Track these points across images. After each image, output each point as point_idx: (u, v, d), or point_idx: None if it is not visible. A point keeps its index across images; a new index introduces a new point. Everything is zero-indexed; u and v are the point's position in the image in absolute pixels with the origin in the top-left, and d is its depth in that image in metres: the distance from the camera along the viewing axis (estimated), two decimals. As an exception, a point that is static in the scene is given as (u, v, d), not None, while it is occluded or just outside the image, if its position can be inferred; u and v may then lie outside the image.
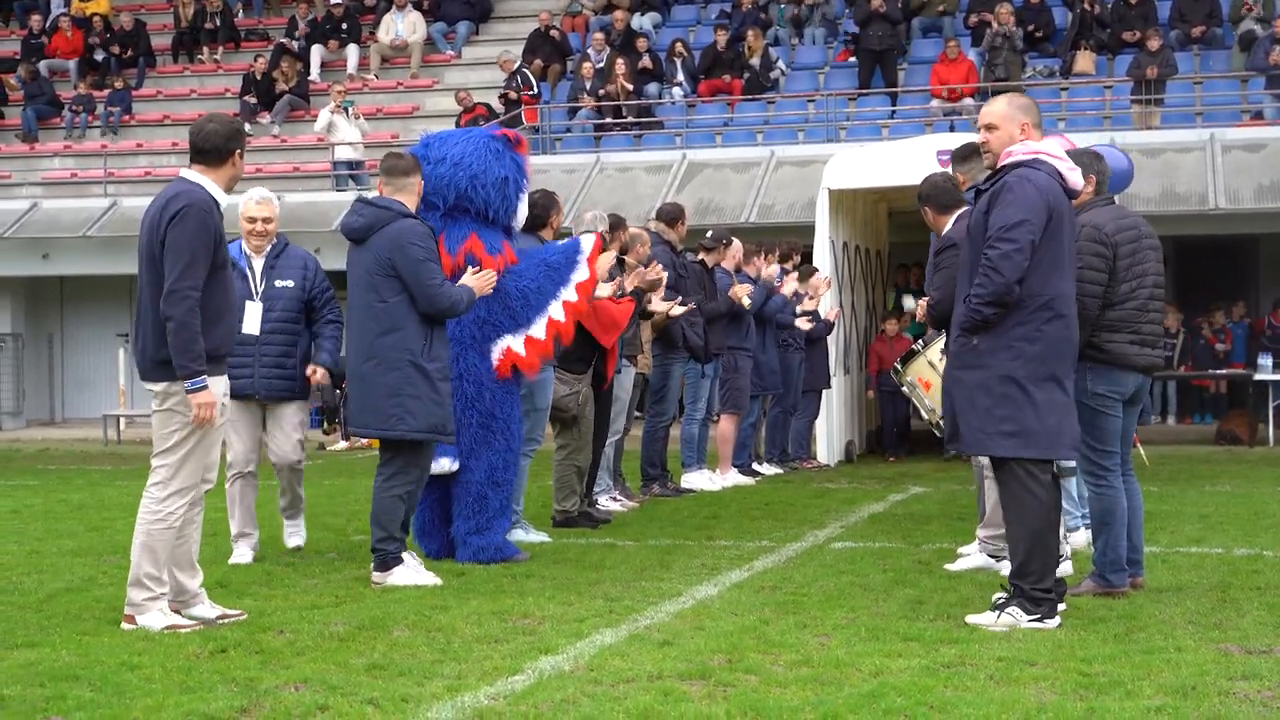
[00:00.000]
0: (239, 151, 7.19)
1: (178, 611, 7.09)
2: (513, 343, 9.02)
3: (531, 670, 6.04)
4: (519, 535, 9.74)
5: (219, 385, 7.09)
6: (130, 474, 16.28)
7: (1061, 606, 7.05)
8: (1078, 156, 7.54)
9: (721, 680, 5.87)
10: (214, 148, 7.13)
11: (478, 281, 8.46)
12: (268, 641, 6.62)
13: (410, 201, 8.41)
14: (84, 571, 8.82)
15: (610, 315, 10.57)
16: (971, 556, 8.68)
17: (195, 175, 7.12)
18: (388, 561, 8.23)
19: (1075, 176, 7.07)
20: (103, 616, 7.30)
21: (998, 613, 6.90)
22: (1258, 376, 18.89)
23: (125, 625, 7.00)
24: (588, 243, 9.45)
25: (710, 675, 5.94)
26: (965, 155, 8.64)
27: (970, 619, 6.97)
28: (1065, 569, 8.39)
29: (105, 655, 6.36)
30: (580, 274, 9.30)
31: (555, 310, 9.16)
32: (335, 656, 6.33)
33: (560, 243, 9.60)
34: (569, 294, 9.23)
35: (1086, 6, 23.52)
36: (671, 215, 12.99)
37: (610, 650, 6.42)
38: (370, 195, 8.63)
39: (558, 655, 6.31)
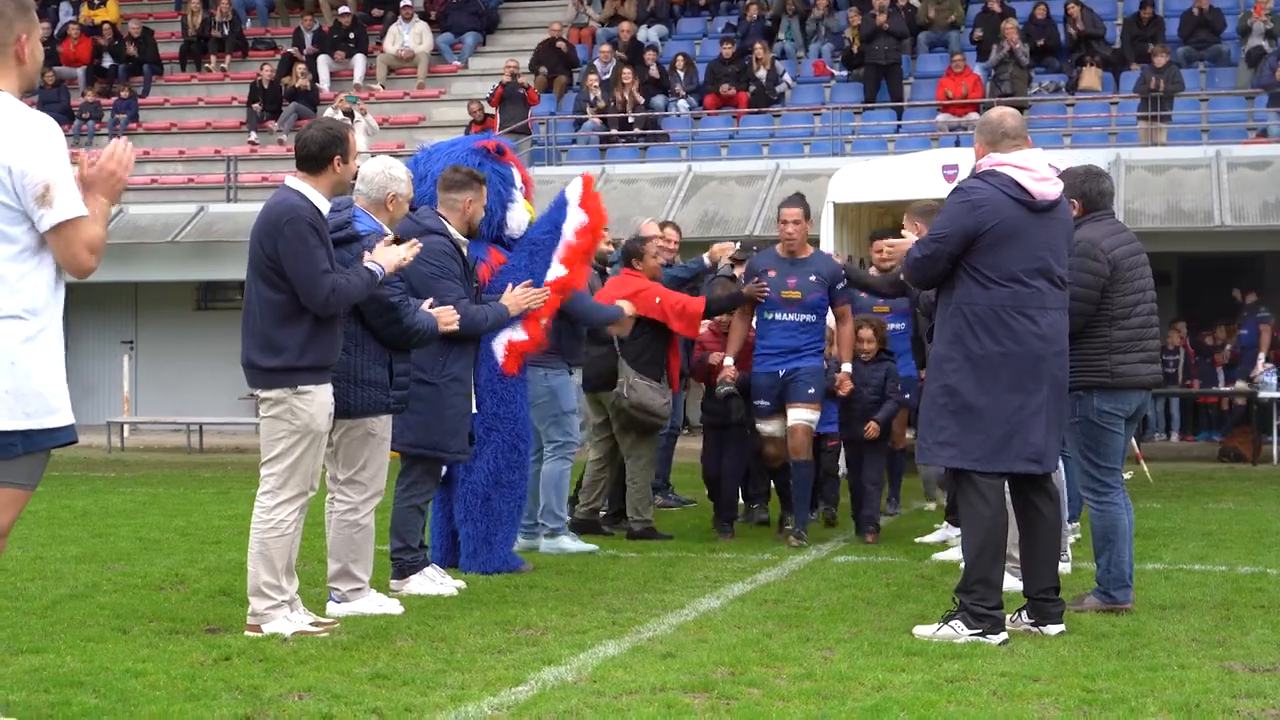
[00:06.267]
0: (339, 157, 7.08)
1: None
2: (511, 334, 8.94)
3: (534, 681, 6.05)
4: (565, 544, 9.72)
5: (325, 393, 7.01)
6: (133, 481, 16.32)
7: (1059, 628, 7.03)
8: (1069, 175, 7.59)
9: (724, 693, 5.87)
10: (310, 155, 7.09)
11: (516, 299, 8.41)
12: (271, 649, 6.62)
13: (453, 218, 8.37)
14: (88, 578, 8.83)
15: (682, 304, 10.55)
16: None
17: (296, 182, 7.10)
18: (404, 570, 8.26)
19: (1041, 187, 6.91)
20: (107, 623, 7.31)
21: (940, 625, 6.91)
22: (1262, 394, 18.90)
23: (250, 633, 6.91)
24: (574, 191, 9.36)
25: (713, 688, 5.95)
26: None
27: (916, 630, 6.99)
28: (1063, 569, 8.40)
29: (109, 662, 6.37)
30: (573, 221, 9.23)
31: (549, 276, 9.13)
32: (339, 665, 6.33)
33: (546, 212, 9.39)
34: (562, 252, 9.18)
35: (1079, 27, 23.55)
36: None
37: (613, 662, 6.42)
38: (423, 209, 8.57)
39: (561, 666, 6.31)
